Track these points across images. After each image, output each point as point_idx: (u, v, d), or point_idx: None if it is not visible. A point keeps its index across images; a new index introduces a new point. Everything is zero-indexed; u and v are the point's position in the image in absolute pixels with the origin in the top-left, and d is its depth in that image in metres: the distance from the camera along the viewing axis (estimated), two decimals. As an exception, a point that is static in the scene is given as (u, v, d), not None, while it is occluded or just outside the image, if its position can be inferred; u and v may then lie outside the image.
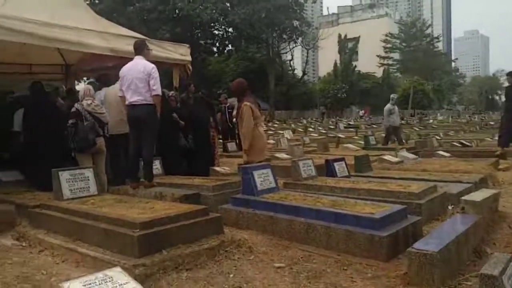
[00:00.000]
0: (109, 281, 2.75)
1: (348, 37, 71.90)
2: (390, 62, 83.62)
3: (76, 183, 5.08)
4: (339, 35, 69.70)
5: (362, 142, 13.82)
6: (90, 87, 6.35)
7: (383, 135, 16.14)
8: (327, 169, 6.62)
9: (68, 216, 4.41)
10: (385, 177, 6.49)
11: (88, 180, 5.19)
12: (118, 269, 2.94)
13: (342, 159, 6.89)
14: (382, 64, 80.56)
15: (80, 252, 3.86)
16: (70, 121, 5.90)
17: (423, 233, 4.23)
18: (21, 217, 5.16)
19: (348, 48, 69.81)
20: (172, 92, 8.08)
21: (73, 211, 4.46)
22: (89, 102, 6.01)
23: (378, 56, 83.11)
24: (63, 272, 3.64)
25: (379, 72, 73.29)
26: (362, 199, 4.81)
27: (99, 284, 2.70)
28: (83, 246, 3.95)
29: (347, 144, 13.45)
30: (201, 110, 8.22)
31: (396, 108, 13.56)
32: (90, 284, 2.67)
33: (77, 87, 9.63)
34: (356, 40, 72.73)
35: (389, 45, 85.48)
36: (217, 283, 3.32)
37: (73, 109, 6.03)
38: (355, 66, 67.39)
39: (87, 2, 37.86)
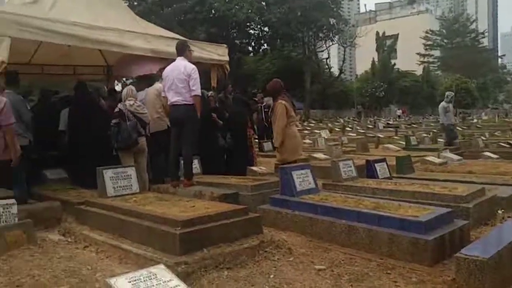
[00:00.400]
0: (153, 278, 2.81)
1: (387, 34, 70.34)
2: (431, 59, 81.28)
3: (119, 181, 5.21)
4: (377, 33, 68.20)
5: (403, 142, 13.51)
6: (133, 87, 6.49)
7: (424, 135, 15.73)
8: (367, 170, 6.48)
9: (112, 213, 4.54)
10: (428, 179, 6.29)
11: (131, 178, 5.32)
12: (162, 266, 3.00)
13: (384, 160, 6.73)
14: (422, 62, 78.45)
15: (124, 249, 3.96)
16: (114, 121, 6.07)
17: (470, 238, 4.11)
18: (66, 213, 5.37)
19: (386, 46, 68.40)
20: (210, 92, 8.16)
21: (117, 208, 4.58)
22: (131, 102, 6.16)
23: (418, 53, 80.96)
24: (107, 267, 3.75)
25: (419, 70, 71.44)
26: (405, 201, 4.68)
27: (144, 280, 2.76)
28: (126, 242, 4.06)
29: (387, 144, 13.15)
30: (239, 110, 8.26)
31: (451, 106, 13.07)
32: (135, 280, 2.74)
33: (117, 87, 9.85)
34: (395, 37, 71.18)
35: (429, 42, 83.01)
36: (258, 283, 3.33)
37: (116, 109, 6.20)
38: (394, 64, 66.04)
39: (126, 4, 38.96)
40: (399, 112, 54.66)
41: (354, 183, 5.81)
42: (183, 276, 3.27)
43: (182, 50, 5.97)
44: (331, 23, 48.48)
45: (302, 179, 5.11)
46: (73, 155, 6.98)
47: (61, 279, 3.47)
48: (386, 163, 6.66)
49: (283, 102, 6.25)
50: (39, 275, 3.54)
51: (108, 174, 5.15)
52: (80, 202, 5.37)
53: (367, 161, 6.66)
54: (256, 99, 12.45)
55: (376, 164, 6.47)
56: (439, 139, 14.48)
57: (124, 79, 8.26)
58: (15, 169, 5.03)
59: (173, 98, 5.78)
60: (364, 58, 77.74)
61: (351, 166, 6.12)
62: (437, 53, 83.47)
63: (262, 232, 4.25)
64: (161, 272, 2.90)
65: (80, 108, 6.97)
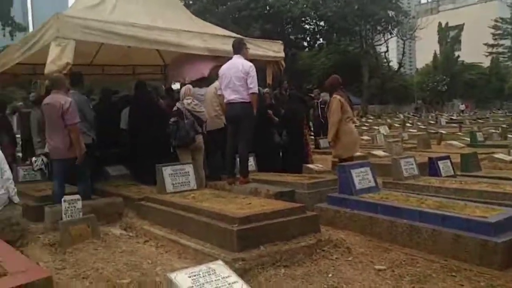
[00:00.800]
0: (212, 273, 2.84)
1: (450, 25, 67.34)
2: (500, 50, 76.14)
3: (178, 178, 5.34)
4: (439, 24, 65.49)
5: (468, 139, 12.88)
6: (190, 86, 6.60)
7: (492, 131, 14.89)
8: (430, 168, 6.24)
9: (171, 209, 4.65)
10: (498, 177, 5.98)
11: (189, 175, 5.44)
12: (220, 262, 3.02)
13: (447, 157, 6.46)
14: (490, 53, 73.68)
15: (182, 244, 4.04)
16: (172, 120, 6.23)
17: None
18: (128, 208, 5.58)
19: (449, 37, 65.49)
20: (266, 89, 8.15)
21: (176, 204, 4.69)
22: (189, 101, 6.29)
23: (485, 44, 76.28)
24: (167, 262, 3.84)
25: (486, 62, 67.52)
26: (472, 201, 4.47)
27: (203, 276, 2.79)
28: (184, 238, 4.14)
29: (451, 141, 12.60)
30: (294, 107, 8.22)
31: None
32: (195, 275, 2.77)
33: (173, 86, 10.07)
34: (459, 28, 67.85)
35: (499, 31, 77.68)
36: (316, 282, 3.28)
37: (175, 108, 6.36)
38: (458, 56, 63.14)
39: (182, 3, 39.85)
40: (462, 107, 52.07)
41: (416, 182, 5.61)
42: (240, 273, 3.27)
43: (239, 48, 6.01)
44: (390, 15, 47.09)
45: (362, 177, 5.00)
46: (134, 153, 7.23)
47: (123, 272, 3.60)
48: (450, 161, 6.39)
49: (338, 97, 6.24)
50: (103, 268, 3.70)
51: (167, 171, 5.29)
52: (140, 198, 5.55)
53: (430, 158, 6.42)
54: (312, 95, 12.29)
55: (439, 162, 6.22)
56: (509, 135, 13.66)
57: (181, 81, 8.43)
58: (80, 167, 5.26)
59: (230, 96, 5.83)
60: (425, 50, 74.80)
61: (412, 164, 5.91)
62: (507, 42, 78.20)
63: (319, 231, 4.19)
64: (219, 268, 2.93)
65: (140, 107, 7.20)
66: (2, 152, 4.92)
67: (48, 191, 5.73)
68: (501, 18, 77.75)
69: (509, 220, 3.70)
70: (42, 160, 5.99)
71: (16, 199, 4.84)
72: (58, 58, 5.47)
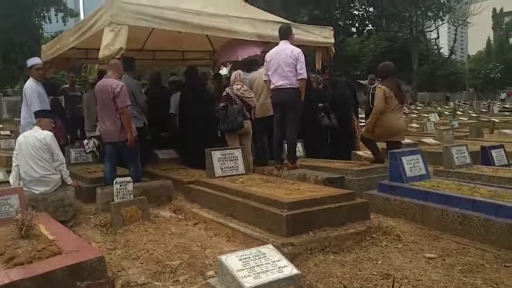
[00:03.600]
0: (262, 257, 2.87)
1: (505, 10, 64.27)
2: (560, 35, 72.06)
3: (227, 162, 5.38)
4: (494, 9, 62.73)
5: (521, 127, 12.37)
6: (241, 72, 6.60)
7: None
8: (483, 156, 6.12)
9: (220, 193, 4.69)
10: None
11: (237, 159, 5.47)
12: (270, 246, 3.05)
13: (501, 146, 6.30)
14: (547, 39, 70.07)
15: (231, 227, 4.08)
16: (221, 104, 6.27)
17: None
18: (177, 191, 5.67)
19: (504, 23, 62.60)
20: (314, 74, 8.07)
21: (225, 188, 4.73)
22: (238, 87, 6.29)
23: (543, 29, 72.37)
24: (216, 245, 3.89)
25: (544, 49, 64.11)
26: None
27: (254, 259, 2.83)
28: (233, 221, 4.18)
29: (504, 130, 12.13)
30: (342, 92, 8.07)
31: None
32: (245, 258, 2.82)
33: (221, 71, 10.12)
34: None
35: (558, 17, 73.74)
36: (365, 268, 3.26)
37: (224, 93, 6.38)
38: None
39: (229, -11, 39.84)
40: (503, 95, 49.82)
41: (468, 170, 5.51)
42: (289, 257, 3.28)
43: (287, 33, 5.97)
44: (441, 1, 45.35)
45: (413, 164, 4.96)
46: (183, 137, 7.34)
47: (173, 254, 3.69)
48: (504, 150, 6.23)
49: (383, 87, 6.13)
50: (153, 249, 3.78)
51: (216, 155, 5.34)
52: (189, 181, 5.63)
53: (483, 147, 6.29)
54: (362, 82, 12.01)
55: (492, 151, 6.09)
56: None
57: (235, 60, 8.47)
58: (130, 150, 5.36)
59: (278, 82, 5.79)
60: (478, 37, 71.90)
61: (464, 152, 5.80)
62: None
63: (369, 218, 4.17)
64: (269, 251, 2.95)
65: (190, 93, 7.27)
66: (55, 134, 5.05)
67: (100, 173, 5.91)
68: None
69: None
70: (94, 142, 6.15)
71: (69, 180, 4.99)
72: (111, 43, 5.57)
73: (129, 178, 4.71)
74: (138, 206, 4.55)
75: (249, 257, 2.84)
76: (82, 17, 34.00)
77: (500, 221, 3.63)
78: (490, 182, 4.96)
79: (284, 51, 5.77)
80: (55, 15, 30.18)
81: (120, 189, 4.56)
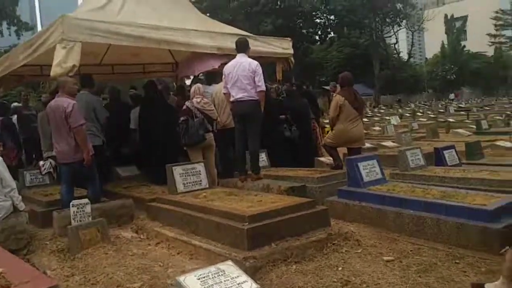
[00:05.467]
0: (222, 274, 2.83)
1: (455, 16, 67.94)
2: (502, 40, 76.51)
3: (189, 177, 5.32)
4: (445, 15, 66.09)
5: (474, 126, 12.89)
6: (200, 85, 6.58)
7: (497, 117, 14.86)
8: (436, 157, 6.39)
9: (182, 209, 4.62)
10: (499, 165, 6.15)
11: (200, 174, 5.42)
12: (230, 262, 3.02)
13: (452, 147, 6.58)
14: (493, 43, 74.10)
15: (194, 244, 4.03)
16: (182, 118, 6.19)
17: None
18: (139, 210, 5.52)
19: (455, 28, 65.93)
20: (275, 85, 8.17)
21: (187, 204, 4.67)
22: (198, 100, 6.26)
23: (488, 34, 76.55)
24: (179, 264, 3.84)
25: (490, 51, 67.71)
26: (474, 189, 4.60)
27: (212, 277, 2.78)
28: (196, 238, 4.13)
29: (458, 129, 12.63)
30: (301, 102, 8.17)
31: None
32: (204, 277, 2.76)
33: (187, 82, 10.07)
34: (464, 19, 68.30)
35: (500, 22, 78.38)
36: (326, 276, 3.31)
37: (184, 107, 6.32)
38: (464, 46, 63.91)
39: (193, 0, 39.82)
40: (452, 96, 52.19)
41: (422, 172, 5.72)
42: (252, 271, 3.29)
43: (244, 46, 6.00)
44: (398, 8, 47.22)
45: (369, 169, 5.10)
46: (144, 153, 7.23)
47: (134, 276, 3.60)
48: (455, 150, 6.50)
49: (337, 96, 6.47)
50: (113, 272, 3.68)
51: (178, 170, 5.27)
52: (151, 199, 5.52)
53: (435, 148, 6.58)
54: (328, 87, 12.19)
55: (444, 152, 6.34)
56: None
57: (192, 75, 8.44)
58: (88, 169, 5.18)
59: (237, 94, 5.80)
60: (434, 41, 75.08)
61: (418, 155, 6.02)
62: (508, 33, 78.49)
63: (330, 225, 4.24)
64: (229, 268, 2.92)
65: (149, 107, 7.18)
66: (6, 156, 4.85)
67: (57, 195, 5.69)
68: (502, 10, 78.50)
69: (507, 206, 3.83)
70: (50, 163, 5.96)
71: (21, 206, 4.76)
72: (64, 60, 5.38)
73: (86, 200, 4.54)
74: (97, 228, 4.40)
75: (208, 276, 2.79)
76: (39, 29, 33.05)
77: (450, 220, 3.80)
78: (442, 183, 5.16)
79: (242, 64, 5.80)
80: (8, 28, 29.16)
81: (77, 211, 4.40)
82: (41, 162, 6.28)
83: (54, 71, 5.46)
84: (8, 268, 3.13)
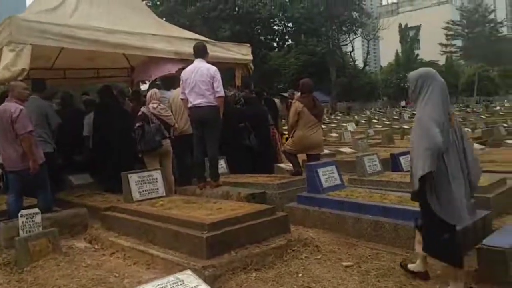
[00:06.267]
0: (180, 284, 2.75)
1: (409, 26, 70.82)
2: (453, 49, 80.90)
3: (145, 185, 5.17)
4: (400, 25, 68.51)
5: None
6: (157, 90, 6.44)
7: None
8: (392, 163, 6.48)
9: (138, 218, 4.49)
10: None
11: (157, 181, 5.28)
12: (189, 272, 2.94)
13: (408, 152, 6.59)
14: (445, 52, 78.14)
15: (151, 254, 3.91)
16: (137, 124, 6.04)
17: (492, 228, 4.11)
18: (93, 219, 5.32)
19: (409, 37, 68.49)
20: (234, 91, 8.13)
21: (143, 213, 4.53)
22: (155, 105, 6.12)
23: (440, 44, 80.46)
24: (135, 274, 3.72)
25: (442, 60, 70.94)
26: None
27: (171, 287, 2.72)
28: (153, 248, 4.02)
29: (412, 135, 12.91)
30: (261, 109, 8.15)
31: None
32: (162, 287, 2.70)
33: (142, 87, 9.88)
34: (417, 28, 71.24)
35: (451, 32, 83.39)
36: (286, 283, 3.31)
37: (139, 113, 6.16)
38: (417, 55, 66.56)
39: (149, 4, 39.33)
40: (403, 103, 54.07)
41: (379, 178, 5.83)
42: (211, 280, 3.25)
43: (202, 52, 5.93)
44: (354, 16, 48.42)
45: (328, 175, 5.15)
46: (98, 160, 7.01)
47: (88, 288, 3.46)
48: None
49: (297, 103, 6.51)
50: (65, 285, 3.52)
51: (134, 178, 5.12)
52: (106, 207, 5.34)
53: (392, 154, 6.69)
54: (285, 94, 12.25)
55: (400, 157, 6.45)
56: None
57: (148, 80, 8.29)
58: (38, 177, 4.95)
59: (195, 100, 5.72)
60: (388, 50, 77.84)
61: (375, 161, 6.14)
62: (459, 43, 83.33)
63: (289, 231, 4.24)
64: (188, 278, 2.84)
65: (104, 112, 6.97)
66: None
67: (3, 205, 5.37)
68: (452, 21, 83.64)
69: None
70: (-2, 172, 5.68)
71: None
72: (12, 63, 5.20)
73: (36, 210, 4.31)
74: (48, 239, 4.17)
75: (166, 286, 2.69)
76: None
77: (406, 225, 3.85)
78: (399, 188, 5.23)
79: (200, 69, 5.72)
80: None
81: (26, 222, 4.17)
82: (-14, 170, 5.94)
83: (2, 74, 5.28)
84: None
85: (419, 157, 2.86)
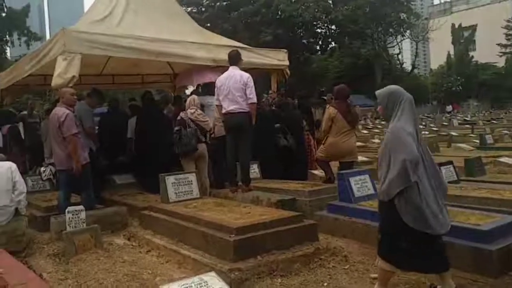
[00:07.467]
0: (204, 285, 2.90)
1: (463, 25, 66.56)
2: (515, 50, 75.36)
3: (181, 186, 5.41)
4: (453, 25, 64.85)
5: (478, 141, 12.70)
6: (196, 97, 6.72)
7: (505, 131, 14.60)
8: None
9: (172, 219, 4.73)
10: (499, 183, 5.95)
11: (192, 184, 5.51)
12: (213, 273, 3.09)
13: (450, 163, 6.40)
14: (504, 53, 72.96)
15: (182, 254, 4.11)
16: (176, 128, 6.35)
17: None
18: (132, 218, 5.67)
19: (463, 38, 64.72)
20: (266, 96, 8.24)
21: (177, 213, 4.76)
22: (192, 111, 6.40)
23: (498, 44, 75.56)
24: (167, 272, 3.92)
25: (501, 62, 66.67)
26: (470, 208, 4.47)
27: (195, 287, 2.88)
28: (185, 248, 4.21)
29: (460, 144, 12.34)
30: (293, 112, 8.19)
31: None
32: (186, 287, 2.86)
33: (187, 91, 10.19)
34: (473, 28, 67.15)
35: (511, 32, 77.35)
36: (311, 291, 3.32)
37: (178, 118, 6.47)
38: (472, 57, 62.19)
39: (194, 10, 40.13)
40: (449, 108, 51.06)
41: (417, 188, 5.60)
42: (236, 283, 3.35)
43: (236, 59, 6.12)
44: (401, 17, 46.83)
45: (361, 184, 5.05)
46: (140, 161, 7.36)
47: (123, 283, 3.70)
48: (453, 166, 6.31)
49: (331, 109, 6.41)
50: (103, 278, 3.78)
51: (170, 180, 5.37)
52: (144, 207, 5.64)
53: None
54: (325, 97, 12.17)
55: (442, 168, 6.15)
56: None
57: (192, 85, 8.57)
58: (81, 177, 5.32)
59: (229, 106, 5.92)
60: (440, 51, 74.01)
61: (413, 170, 5.89)
62: None
63: (317, 240, 4.24)
64: (211, 279, 2.99)
65: (146, 117, 7.34)
66: (13, 162, 5.04)
67: (55, 201, 5.85)
68: None
69: (504, 227, 3.72)
70: (50, 170, 6.12)
71: (23, 211, 4.96)
72: (64, 71, 5.61)
73: (81, 207, 4.69)
74: (91, 234, 4.53)
75: (191, 286, 2.87)
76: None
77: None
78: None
79: (234, 76, 5.92)
80: (18, 39, 29.72)
81: (72, 218, 4.55)
82: (42, 168, 6.46)
83: (55, 81, 5.70)
84: (7, 269, 3.38)
85: (395, 169, 2.94)
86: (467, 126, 21.54)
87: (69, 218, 4.53)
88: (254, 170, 6.92)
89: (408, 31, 49.68)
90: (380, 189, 3.12)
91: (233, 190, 6.07)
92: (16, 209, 4.88)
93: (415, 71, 61.97)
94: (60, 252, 4.50)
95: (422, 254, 3.05)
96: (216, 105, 6.24)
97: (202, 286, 2.90)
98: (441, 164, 6.18)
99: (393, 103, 3.18)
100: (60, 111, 5.27)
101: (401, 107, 3.15)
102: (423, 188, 2.99)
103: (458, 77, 57.53)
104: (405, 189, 2.95)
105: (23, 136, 8.51)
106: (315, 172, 7.59)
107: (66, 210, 4.58)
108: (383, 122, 31.92)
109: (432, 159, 3.23)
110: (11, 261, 3.75)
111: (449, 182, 5.87)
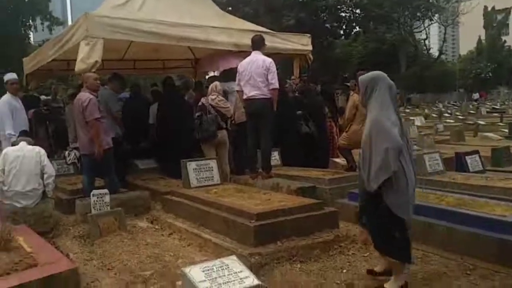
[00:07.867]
0: (226, 268, 2.95)
1: (497, 8, 63.73)
2: (553, 34, 71.74)
3: (202, 172, 5.51)
4: (485, 7, 62.07)
5: (507, 130, 12.35)
6: (217, 83, 6.69)
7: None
8: (457, 163, 6.18)
9: (194, 203, 4.82)
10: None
11: (212, 170, 5.60)
12: (234, 257, 3.13)
13: (476, 152, 6.29)
14: (542, 38, 69.69)
15: (204, 238, 4.20)
16: (197, 114, 6.38)
17: None
18: (155, 202, 5.78)
19: (496, 21, 61.94)
20: (293, 79, 8.16)
21: (199, 199, 4.84)
22: (213, 97, 6.40)
23: (536, 28, 71.98)
24: (188, 255, 4.01)
25: (538, 48, 63.73)
26: (496, 198, 4.39)
27: (216, 270, 2.91)
28: (206, 232, 4.30)
29: (488, 133, 12.04)
30: (316, 99, 8.11)
31: None
32: (208, 270, 2.90)
33: (206, 77, 10.18)
34: (507, 11, 64.15)
35: (548, 15, 73.48)
36: (329, 277, 3.37)
37: (199, 104, 6.49)
38: (505, 42, 59.12)
39: (214, -3, 39.80)
40: (476, 95, 49.33)
41: (439, 178, 5.57)
42: (256, 267, 3.39)
43: (259, 44, 6.04)
44: (430, 0, 45.45)
45: (382, 173, 4.97)
46: (162, 147, 7.44)
47: (146, 264, 3.80)
48: (479, 156, 6.21)
49: (355, 96, 6.32)
50: (127, 260, 3.90)
51: (192, 166, 5.46)
52: (166, 191, 5.73)
53: (456, 153, 6.34)
54: (349, 84, 11.99)
55: (467, 157, 6.09)
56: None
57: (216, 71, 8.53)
58: (104, 161, 5.42)
59: (250, 92, 5.87)
60: (470, 36, 70.91)
61: (437, 159, 5.86)
62: None
63: (338, 227, 4.26)
64: (233, 263, 3.04)
65: (167, 103, 7.38)
66: (39, 146, 5.16)
67: (80, 184, 5.97)
68: None
69: None
70: (75, 154, 6.25)
71: (50, 193, 5.09)
72: (87, 56, 5.66)
73: (105, 190, 4.80)
74: (115, 217, 4.65)
75: (212, 269, 2.92)
76: (69, 24, 33.79)
77: (463, 229, 3.69)
78: (461, 190, 4.95)
79: (256, 61, 5.85)
80: (41, 23, 30.09)
81: (97, 201, 4.66)
82: (66, 153, 6.59)
83: (78, 66, 5.76)
84: (36, 249, 3.53)
85: (379, 158, 2.89)
86: (496, 114, 20.97)
87: (93, 201, 4.64)
88: (275, 157, 6.91)
89: (436, 15, 48.04)
90: (366, 180, 3.04)
91: (253, 177, 6.06)
92: (43, 191, 5.00)
93: (443, 57, 60.00)
94: (85, 234, 4.64)
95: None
96: (237, 91, 6.22)
97: (223, 269, 2.95)
98: (466, 154, 6.13)
99: (372, 89, 3.09)
100: (84, 96, 5.34)
101: (379, 93, 3.05)
102: (409, 176, 2.97)
103: (489, 63, 55.49)
104: (394, 176, 2.90)
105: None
106: (337, 160, 7.56)
107: (91, 193, 4.69)
108: (407, 110, 31.49)
109: (411, 143, 3.22)
110: (40, 241, 3.89)
111: (474, 172, 5.84)
